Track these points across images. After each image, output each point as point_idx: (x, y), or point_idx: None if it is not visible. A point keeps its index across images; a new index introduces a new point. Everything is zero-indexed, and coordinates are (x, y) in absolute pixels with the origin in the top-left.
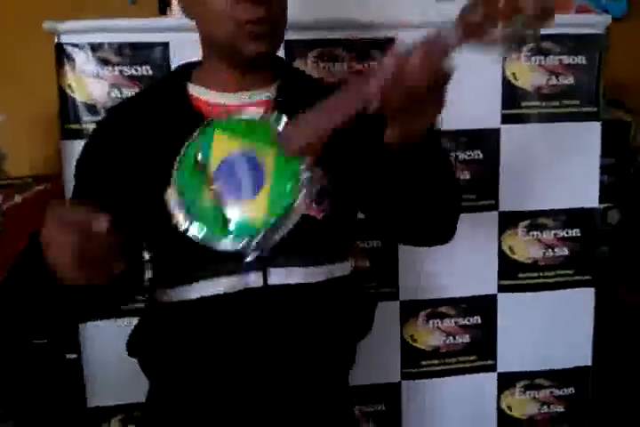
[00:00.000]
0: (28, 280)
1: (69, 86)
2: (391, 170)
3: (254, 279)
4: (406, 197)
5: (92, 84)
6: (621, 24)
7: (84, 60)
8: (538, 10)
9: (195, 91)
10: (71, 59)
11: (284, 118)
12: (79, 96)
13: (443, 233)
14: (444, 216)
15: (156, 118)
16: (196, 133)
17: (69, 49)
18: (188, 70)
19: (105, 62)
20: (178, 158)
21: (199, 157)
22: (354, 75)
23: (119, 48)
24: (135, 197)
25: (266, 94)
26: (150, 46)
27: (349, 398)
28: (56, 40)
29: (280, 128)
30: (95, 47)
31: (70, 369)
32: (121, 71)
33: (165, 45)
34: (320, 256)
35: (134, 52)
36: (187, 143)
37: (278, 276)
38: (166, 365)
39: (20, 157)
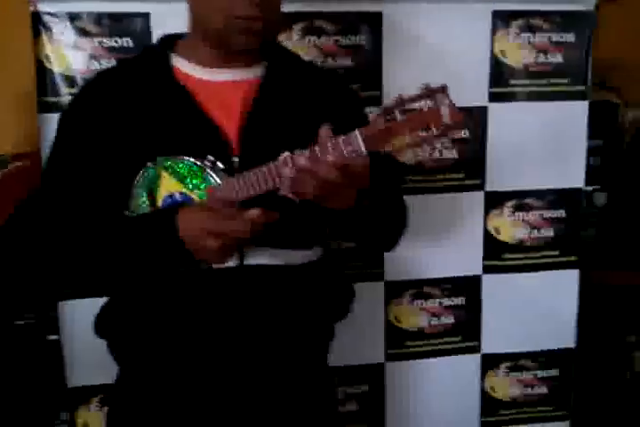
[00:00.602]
0: (17, 248)
1: (47, 57)
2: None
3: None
4: (352, 229)
5: (71, 56)
6: (612, 5)
7: (61, 30)
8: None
9: (178, 63)
10: (48, 28)
11: (219, 169)
12: (57, 68)
13: (385, 248)
14: (385, 241)
15: (138, 88)
16: (150, 164)
17: (46, 18)
18: (172, 40)
19: (84, 33)
20: (134, 181)
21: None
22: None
23: (98, 18)
24: (113, 167)
25: (252, 74)
26: (131, 16)
27: (329, 377)
28: (32, 8)
29: (213, 180)
30: (73, 17)
31: (50, 350)
32: (100, 42)
33: (146, 16)
34: (296, 239)
35: (114, 23)
36: (142, 170)
37: (254, 256)
38: (136, 345)
39: (1, 134)
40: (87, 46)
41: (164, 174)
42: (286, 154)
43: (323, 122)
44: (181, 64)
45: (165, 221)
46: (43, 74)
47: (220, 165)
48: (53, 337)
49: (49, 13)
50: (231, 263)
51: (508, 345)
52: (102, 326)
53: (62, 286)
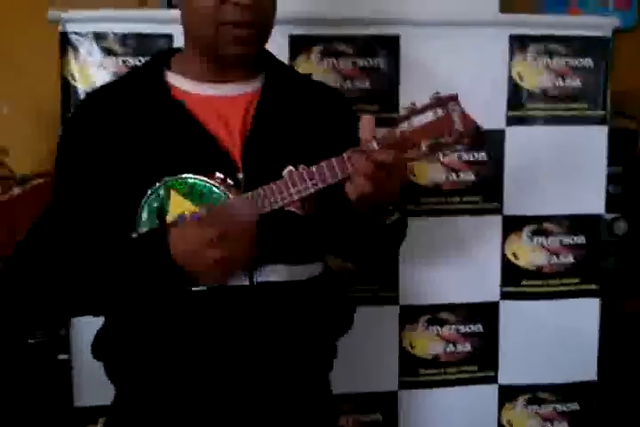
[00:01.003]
0: (24, 273)
1: (72, 76)
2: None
3: (240, 277)
4: (354, 238)
5: (95, 74)
6: (630, 35)
7: (87, 50)
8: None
9: (172, 79)
10: (75, 48)
11: (229, 186)
12: (81, 85)
13: (378, 265)
14: (381, 259)
15: (134, 105)
16: (158, 185)
17: (73, 38)
18: (166, 57)
19: (109, 52)
20: (143, 201)
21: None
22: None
23: (123, 38)
24: (116, 189)
25: (250, 88)
26: (154, 37)
27: (331, 400)
28: (60, 29)
29: (224, 197)
30: (99, 37)
31: (60, 370)
32: (124, 61)
33: (169, 37)
34: (301, 254)
35: (138, 43)
36: (149, 191)
37: (264, 274)
38: (133, 367)
39: (24, 153)
40: (112, 65)
41: (173, 194)
42: (290, 168)
43: (322, 135)
44: (176, 80)
45: (156, 239)
46: (67, 92)
47: (230, 181)
48: (63, 357)
49: (76, 33)
50: (242, 281)
51: (527, 376)
52: (100, 347)
53: (65, 306)
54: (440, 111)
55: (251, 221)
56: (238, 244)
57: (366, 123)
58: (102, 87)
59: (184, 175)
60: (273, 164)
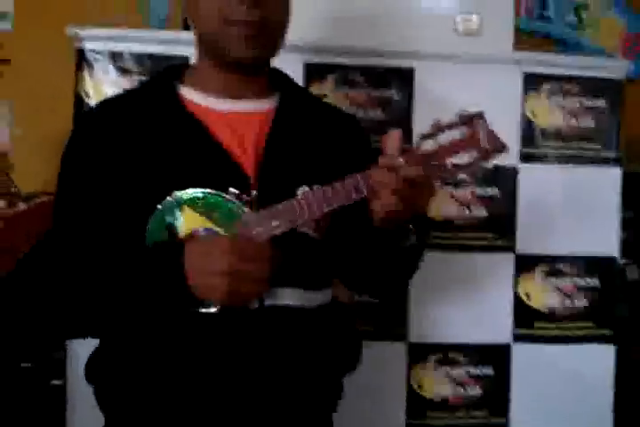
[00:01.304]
0: (26, 287)
1: (85, 93)
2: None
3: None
4: (370, 262)
5: (109, 92)
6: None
7: (103, 68)
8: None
9: (185, 92)
10: (90, 65)
11: (244, 202)
12: (95, 103)
13: (387, 295)
14: (393, 288)
15: (144, 116)
16: (169, 199)
17: (90, 55)
18: (178, 70)
19: (124, 71)
20: (152, 217)
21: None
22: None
23: (139, 58)
24: (124, 204)
25: (264, 105)
26: (170, 59)
27: None
28: (77, 45)
29: (239, 213)
30: (116, 56)
31: (53, 395)
32: (139, 81)
33: (185, 59)
34: (313, 278)
35: (154, 64)
36: (159, 206)
37: (274, 297)
38: (131, 390)
39: (34, 174)
40: (126, 84)
41: (186, 209)
42: (304, 188)
43: (335, 157)
44: (189, 93)
45: (170, 255)
46: (80, 108)
47: (245, 197)
48: (57, 382)
49: (93, 51)
50: (250, 304)
51: (538, 424)
52: (93, 369)
53: (65, 324)
54: (466, 128)
55: (267, 240)
56: (256, 264)
57: (393, 137)
58: (111, 98)
59: (197, 189)
60: (288, 182)
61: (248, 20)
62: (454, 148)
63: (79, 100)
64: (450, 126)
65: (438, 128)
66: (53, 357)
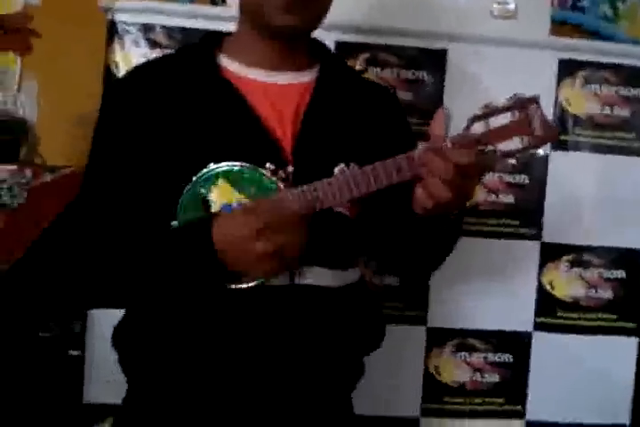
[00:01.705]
0: (53, 256)
1: (116, 64)
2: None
3: (281, 277)
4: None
5: None
6: None
7: (134, 40)
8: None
9: (224, 61)
10: (121, 37)
11: (281, 178)
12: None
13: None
14: (423, 270)
15: (181, 84)
16: (204, 171)
17: (121, 27)
18: (218, 39)
19: (154, 44)
20: (186, 188)
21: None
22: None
23: (171, 31)
24: (158, 173)
25: (304, 78)
26: (201, 33)
27: (351, 417)
28: (109, 17)
29: (275, 189)
30: (147, 28)
31: (71, 366)
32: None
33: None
34: (345, 258)
35: (185, 37)
36: (194, 178)
37: (306, 276)
38: (156, 360)
39: (58, 148)
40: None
41: (221, 182)
42: (342, 166)
43: (374, 132)
44: (228, 63)
45: (199, 229)
46: (109, 80)
47: (281, 173)
48: (75, 353)
49: (124, 23)
50: (281, 282)
51: (555, 414)
52: (121, 336)
53: (93, 294)
54: (518, 113)
55: (301, 215)
56: (288, 236)
57: (440, 117)
58: (145, 64)
59: (233, 162)
60: (325, 159)
61: None
62: (505, 132)
63: (108, 73)
64: (503, 109)
65: (490, 110)
66: (72, 328)
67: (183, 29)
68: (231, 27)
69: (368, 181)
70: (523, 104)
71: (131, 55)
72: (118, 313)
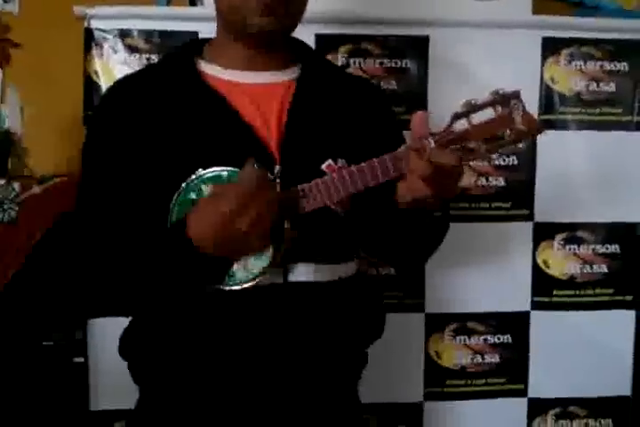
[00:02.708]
0: (46, 269)
1: (95, 73)
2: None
3: (273, 275)
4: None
5: (119, 72)
6: None
7: (112, 47)
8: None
9: (205, 67)
10: (99, 45)
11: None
12: (105, 83)
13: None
14: (415, 260)
15: (166, 93)
16: (192, 178)
17: (98, 34)
18: (197, 46)
19: (133, 49)
20: (176, 194)
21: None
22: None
23: (149, 35)
24: (148, 181)
25: (285, 76)
26: (179, 35)
27: (358, 407)
28: (85, 24)
29: None
30: (124, 34)
31: (76, 373)
32: (149, 59)
33: (195, 35)
34: (337, 252)
35: (163, 41)
36: (183, 184)
37: (299, 272)
38: (164, 366)
39: (46, 157)
40: (136, 63)
41: (210, 187)
42: (329, 162)
43: (360, 127)
44: (209, 68)
45: (176, 231)
46: (90, 89)
47: (270, 176)
48: (80, 360)
49: (101, 30)
50: (275, 280)
51: (557, 390)
52: (127, 345)
53: (92, 303)
54: (501, 109)
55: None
56: (261, 203)
57: (419, 118)
58: (131, 75)
59: (221, 168)
60: (312, 157)
61: None
62: (487, 128)
63: (89, 81)
64: (484, 106)
65: (472, 107)
66: (74, 336)
67: (161, 33)
68: (211, 27)
69: (354, 182)
70: (504, 99)
71: (110, 62)
72: (119, 319)
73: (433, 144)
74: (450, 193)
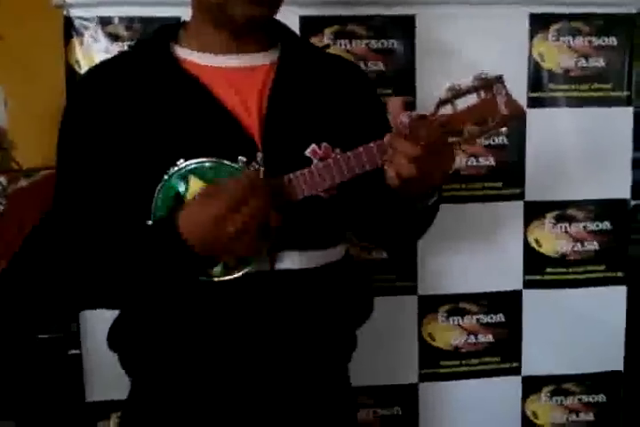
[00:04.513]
0: (35, 264)
1: (77, 62)
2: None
3: (261, 263)
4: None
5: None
6: None
7: (92, 35)
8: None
9: (182, 52)
10: (80, 33)
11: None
12: (87, 68)
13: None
14: (405, 242)
15: (142, 81)
16: (174, 169)
17: (78, 23)
18: (173, 30)
19: (115, 37)
20: (159, 186)
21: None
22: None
23: (130, 22)
24: (129, 173)
25: (265, 59)
26: (162, 21)
27: (349, 389)
28: (64, 13)
29: None
30: (105, 21)
31: (71, 365)
32: (130, 47)
33: (177, 20)
34: (324, 239)
35: (145, 27)
36: (165, 176)
37: (286, 260)
38: (153, 357)
39: (33, 149)
40: (118, 51)
41: (192, 179)
42: (313, 147)
43: (343, 109)
44: (186, 53)
45: (166, 225)
46: (72, 79)
47: (254, 164)
48: (75, 352)
49: (81, 18)
50: (262, 268)
51: (551, 367)
52: (115, 338)
53: (80, 298)
54: (484, 93)
55: (256, 180)
56: (252, 205)
57: (396, 105)
58: (104, 63)
59: (203, 159)
60: (295, 142)
61: None
62: (471, 114)
63: (70, 71)
64: (467, 91)
65: (455, 93)
66: (70, 328)
67: (142, 19)
68: (188, 11)
69: (342, 171)
70: (487, 83)
71: (91, 51)
72: (113, 311)
73: (407, 119)
74: (436, 177)
